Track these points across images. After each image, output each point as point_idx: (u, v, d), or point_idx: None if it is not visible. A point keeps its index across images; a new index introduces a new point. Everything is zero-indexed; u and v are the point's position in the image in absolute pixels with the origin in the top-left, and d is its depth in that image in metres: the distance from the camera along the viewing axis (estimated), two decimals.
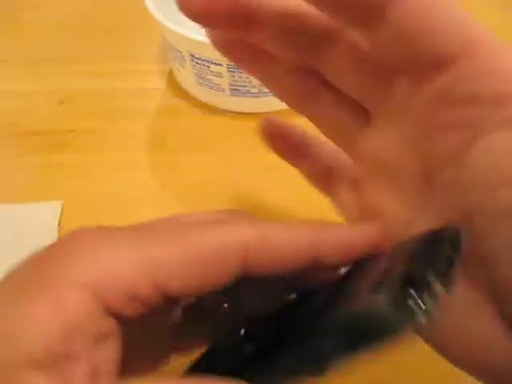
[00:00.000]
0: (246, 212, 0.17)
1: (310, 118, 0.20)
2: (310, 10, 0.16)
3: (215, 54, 0.35)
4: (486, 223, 0.14)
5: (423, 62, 0.14)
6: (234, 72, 0.36)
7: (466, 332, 0.15)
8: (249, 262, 0.14)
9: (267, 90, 0.37)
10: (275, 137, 0.22)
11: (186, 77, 0.39)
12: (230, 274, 0.14)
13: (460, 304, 0.15)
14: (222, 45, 0.19)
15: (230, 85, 0.37)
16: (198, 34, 0.34)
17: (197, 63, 0.37)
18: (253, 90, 0.37)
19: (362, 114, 0.18)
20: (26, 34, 0.47)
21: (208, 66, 0.36)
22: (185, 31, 0.34)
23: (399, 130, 0.16)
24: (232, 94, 0.38)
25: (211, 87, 0.38)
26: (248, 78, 0.36)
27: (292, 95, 0.20)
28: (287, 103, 0.20)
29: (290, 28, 0.17)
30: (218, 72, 0.36)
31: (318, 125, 0.20)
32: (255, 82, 0.36)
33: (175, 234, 0.14)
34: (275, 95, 0.20)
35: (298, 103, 0.20)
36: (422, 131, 0.15)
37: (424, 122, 0.15)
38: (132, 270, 0.13)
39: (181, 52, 0.37)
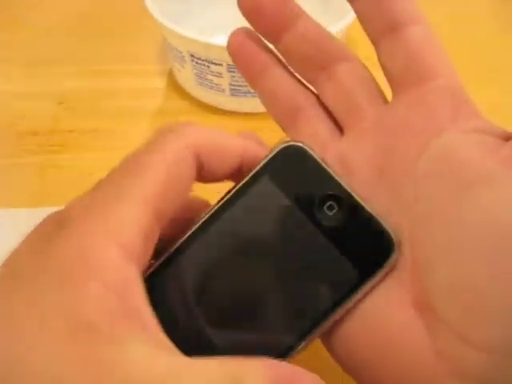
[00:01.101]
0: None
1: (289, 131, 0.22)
2: (327, 42, 0.20)
3: (215, 54, 0.35)
4: (425, 231, 0.15)
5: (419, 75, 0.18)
6: (234, 72, 0.35)
7: (376, 317, 0.16)
8: (202, 163, 0.17)
9: None
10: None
11: (186, 77, 0.39)
12: (193, 178, 0.17)
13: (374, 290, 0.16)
14: (238, 48, 0.21)
15: (230, 85, 0.37)
16: (198, 34, 0.34)
17: (197, 63, 0.36)
18: (253, 90, 0.37)
19: (338, 128, 0.20)
20: (26, 34, 0.47)
21: (208, 66, 0.36)
22: (185, 31, 0.34)
23: (366, 142, 0.19)
24: (232, 94, 0.38)
25: (211, 87, 0.38)
26: None
27: (280, 108, 0.21)
28: (273, 113, 0.22)
29: (304, 54, 0.20)
30: (217, 72, 0.36)
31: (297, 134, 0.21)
32: None
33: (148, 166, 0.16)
34: (265, 104, 0.22)
35: (284, 116, 0.21)
36: (385, 138, 0.18)
37: (388, 129, 0.18)
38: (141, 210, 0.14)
39: (181, 52, 0.37)
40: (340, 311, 0.16)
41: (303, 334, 0.16)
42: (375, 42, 0.19)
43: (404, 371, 0.15)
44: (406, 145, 0.17)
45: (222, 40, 0.38)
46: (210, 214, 0.17)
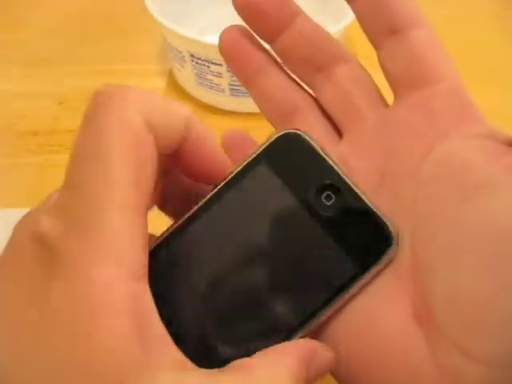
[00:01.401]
0: None
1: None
2: (326, 43, 0.19)
3: (215, 54, 0.35)
4: (425, 233, 0.15)
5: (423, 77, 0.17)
6: None
7: (377, 322, 0.16)
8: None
9: None
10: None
11: (186, 77, 0.39)
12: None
13: (375, 292, 0.16)
14: (231, 46, 0.20)
15: (230, 85, 0.37)
16: (198, 34, 0.34)
17: (197, 63, 0.36)
18: None
19: (336, 130, 0.20)
20: (26, 34, 0.47)
21: (208, 66, 0.36)
22: (185, 31, 0.34)
23: (366, 145, 0.18)
24: (232, 94, 0.38)
25: (211, 87, 0.38)
26: None
27: (276, 109, 0.21)
28: (268, 115, 0.21)
29: (302, 54, 0.19)
30: (217, 72, 0.36)
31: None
32: None
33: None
34: (259, 106, 0.21)
35: (280, 118, 0.20)
36: (387, 141, 0.18)
37: (390, 132, 0.18)
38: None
39: (181, 52, 0.37)
40: (335, 303, 0.16)
41: (299, 323, 0.15)
42: (376, 44, 0.18)
43: None
44: (408, 148, 0.17)
45: None
46: (205, 200, 0.16)
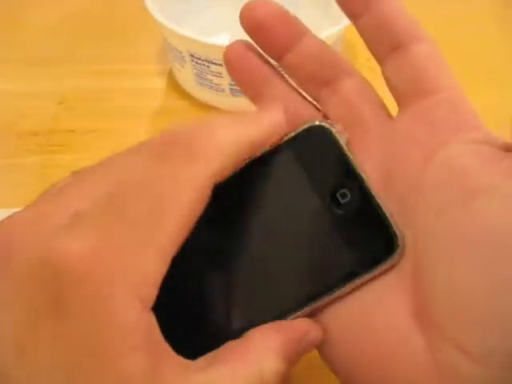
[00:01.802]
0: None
1: None
2: (331, 56, 0.20)
3: (215, 54, 0.35)
4: (427, 237, 0.16)
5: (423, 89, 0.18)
6: None
7: (375, 318, 0.16)
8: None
9: None
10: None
11: (186, 77, 0.39)
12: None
13: (374, 291, 0.16)
14: (236, 61, 0.21)
15: (230, 85, 0.37)
16: (198, 34, 0.34)
17: (197, 63, 0.37)
18: None
19: None
20: (26, 34, 0.47)
21: (208, 66, 0.36)
22: (185, 31, 0.34)
23: (371, 155, 0.19)
24: (232, 94, 0.38)
25: (211, 87, 0.38)
26: None
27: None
28: None
29: (308, 71, 0.20)
30: (217, 72, 0.36)
31: None
32: None
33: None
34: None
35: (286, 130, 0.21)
36: (391, 150, 0.18)
37: (394, 142, 0.18)
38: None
39: (181, 52, 0.37)
40: (333, 294, 0.16)
41: (296, 305, 0.16)
42: (380, 59, 0.19)
43: None
44: (411, 156, 0.17)
45: (222, 40, 0.38)
46: (226, 181, 0.16)
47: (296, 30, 0.20)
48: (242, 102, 0.38)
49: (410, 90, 0.18)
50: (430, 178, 0.16)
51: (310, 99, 0.21)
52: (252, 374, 0.14)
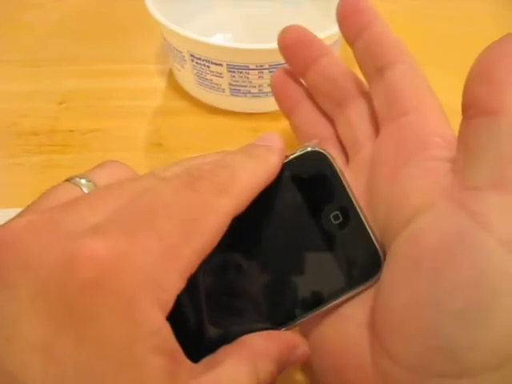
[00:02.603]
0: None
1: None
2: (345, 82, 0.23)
3: (215, 54, 0.35)
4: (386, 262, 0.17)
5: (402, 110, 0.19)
6: (234, 72, 0.36)
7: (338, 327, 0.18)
8: None
9: (267, 90, 0.37)
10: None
11: (186, 77, 0.39)
12: None
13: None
14: (279, 85, 0.26)
15: (230, 85, 0.37)
16: (197, 34, 0.34)
17: (197, 63, 0.36)
18: (253, 90, 0.37)
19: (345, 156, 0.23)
20: (26, 34, 0.47)
21: (208, 66, 0.36)
22: (185, 31, 0.34)
23: (359, 174, 0.20)
24: (232, 94, 0.38)
25: (211, 87, 0.38)
26: (248, 78, 0.36)
27: (305, 138, 0.25)
28: (299, 141, 0.26)
29: (324, 90, 0.23)
30: (217, 72, 0.36)
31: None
32: (255, 81, 0.36)
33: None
34: (294, 133, 0.26)
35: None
36: (370, 170, 0.20)
37: (371, 162, 0.20)
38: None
39: (181, 52, 0.37)
40: (321, 309, 0.17)
41: (286, 319, 0.17)
42: (367, 82, 0.21)
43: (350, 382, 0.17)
44: (382, 176, 0.19)
45: (222, 40, 0.38)
46: None
47: (315, 50, 0.23)
48: (242, 102, 0.38)
49: (384, 112, 0.20)
50: (390, 197, 0.18)
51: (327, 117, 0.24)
52: (250, 373, 0.15)
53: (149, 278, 0.13)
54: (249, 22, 0.45)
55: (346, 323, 0.18)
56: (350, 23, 0.21)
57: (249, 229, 0.17)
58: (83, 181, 0.17)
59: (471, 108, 0.15)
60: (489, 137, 0.14)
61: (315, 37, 0.23)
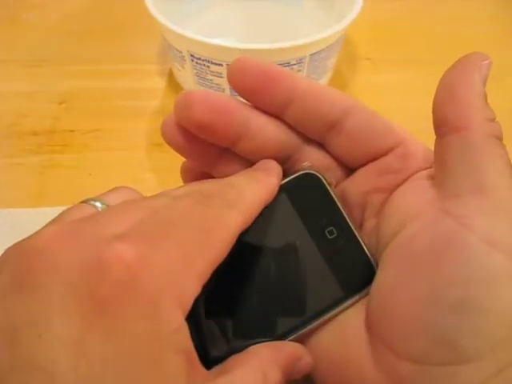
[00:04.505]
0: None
1: None
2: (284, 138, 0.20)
3: (215, 54, 0.35)
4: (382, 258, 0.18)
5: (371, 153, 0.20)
6: None
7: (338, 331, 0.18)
8: None
9: None
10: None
11: (186, 77, 0.39)
12: None
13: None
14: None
15: None
16: (198, 34, 0.34)
17: (197, 63, 0.37)
18: None
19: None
20: (26, 34, 0.48)
21: (208, 66, 0.36)
22: (185, 31, 0.34)
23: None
24: (232, 94, 0.38)
25: (211, 87, 0.38)
26: None
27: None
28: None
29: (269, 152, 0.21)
30: (217, 72, 0.36)
31: None
32: None
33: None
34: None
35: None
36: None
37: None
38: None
39: (181, 52, 0.37)
40: (322, 319, 0.18)
41: (290, 329, 0.18)
42: (320, 140, 0.20)
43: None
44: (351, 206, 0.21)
45: (222, 40, 0.38)
46: None
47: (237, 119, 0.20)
48: None
49: (347, 160, 0.20)
50: (385, 213, 0.19)
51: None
52: (260, 381, 0.15)
53: (171, 280, 0.14)
54: (249, 21, 0.45)
55: (344, 329, 0.18)
56: (269, 92, 0.19)
57: (250, 245, 0.19)
58: (98, 203, 0.18)
59: (442, 126, 0.17)
60: (461, 150, 0.16)
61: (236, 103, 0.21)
